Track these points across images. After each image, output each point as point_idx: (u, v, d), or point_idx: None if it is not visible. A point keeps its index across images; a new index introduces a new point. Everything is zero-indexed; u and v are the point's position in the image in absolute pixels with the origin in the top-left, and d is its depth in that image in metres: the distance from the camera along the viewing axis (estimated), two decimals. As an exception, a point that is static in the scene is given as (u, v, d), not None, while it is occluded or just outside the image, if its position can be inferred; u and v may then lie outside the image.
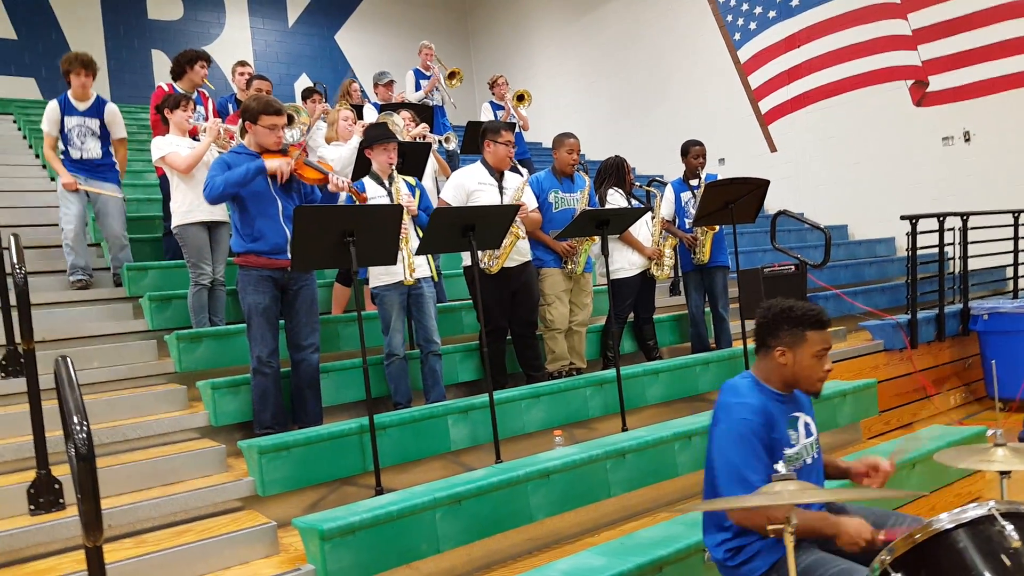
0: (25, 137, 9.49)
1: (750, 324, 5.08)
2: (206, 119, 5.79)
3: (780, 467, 2.34)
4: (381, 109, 6.94)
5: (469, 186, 4.65)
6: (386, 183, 4.44)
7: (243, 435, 4.14)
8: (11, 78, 11.70)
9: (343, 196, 4.35)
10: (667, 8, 11.72)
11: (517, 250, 4.68)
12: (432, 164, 5.88)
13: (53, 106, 5.48)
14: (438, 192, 6.31)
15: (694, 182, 5.75)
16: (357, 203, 4.21)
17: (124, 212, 5.66)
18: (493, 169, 4.71)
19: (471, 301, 5.50)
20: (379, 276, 4.35)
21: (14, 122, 10.34)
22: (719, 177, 5.73)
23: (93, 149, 5.51)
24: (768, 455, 2.32)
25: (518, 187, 4.72)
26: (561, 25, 13.69)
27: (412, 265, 4.28)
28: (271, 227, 3.99)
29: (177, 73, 6.05)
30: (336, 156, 5.54)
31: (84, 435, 1.88)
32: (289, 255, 3.93)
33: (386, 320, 4.37)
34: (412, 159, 5.23)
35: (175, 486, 3.52)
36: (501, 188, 4.68)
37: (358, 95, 8.05)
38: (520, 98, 8.21)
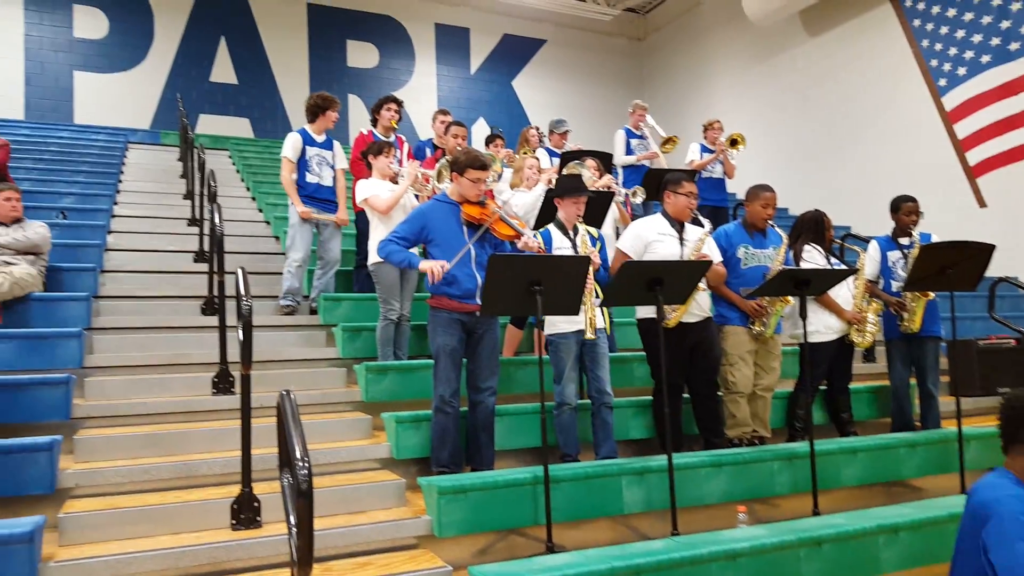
0: (239, 171, 10.47)
1: (965, 403, 4.59)
2: (401, 163, 6.09)
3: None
4: (560, 157, 7.02)
5: (648, 236, 4.56)
6: (571, 233, 4.46)
7: (419, 469, 4.24)
8: (229, 118, 12.96)
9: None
10: (863, 50, 11.09)
11: (697, 304, 4.52)
12: (613, 212, 5.85)
13: (296, 136, 6.05)
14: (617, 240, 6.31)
15: (904, 240, 5.31)
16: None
17: (340, 236, 6.15)
18: (673, 220, 4.60)
19: (643, 353, 5.37)
20: (556, 324, 4.34)
21: (229, 157, 11.44)
22: (921, 233, 5.29)
23: (327, 178, 6.05)
24: None
25: (699, 239, 4.58)
26: (743, 67, 13.38)
27: (594, 320, 4.23)
28: (464, 273, 4.10)
29: (373, 118, 6.46)
30: (520, 202, 5.64)
31: (306, 472, 1.94)
32: (479, 300, 4.02)
33: (560, 369, 4.34)
34: (593, 207, 5.22)
35: (359, 516, 3.63)
36: (681, 239, 4.56)
37: (536, 141, 8.23)
38: (733, 142, 7.97)
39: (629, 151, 8.26)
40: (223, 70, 12.98)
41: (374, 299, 5.40)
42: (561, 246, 4.41)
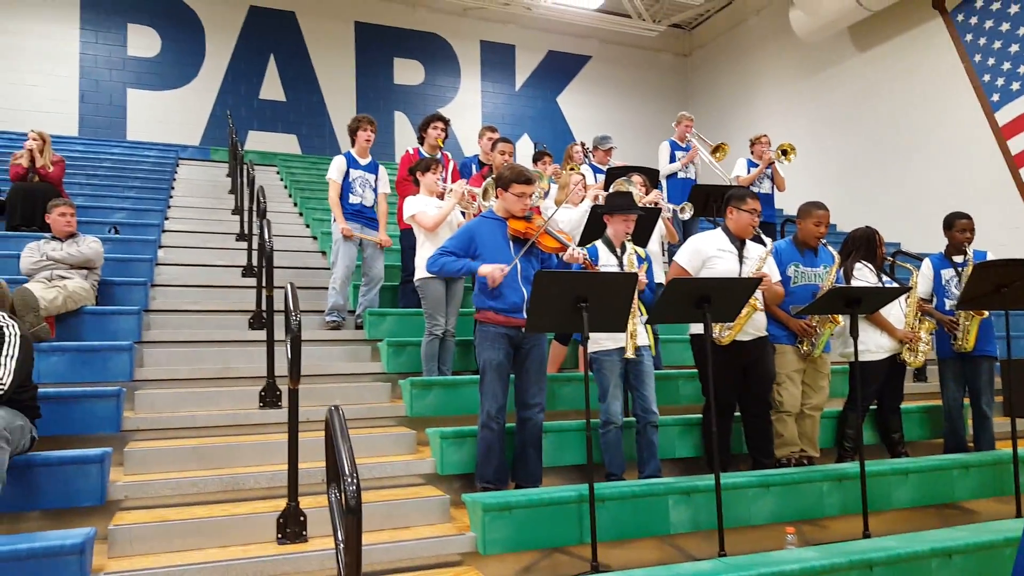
0: (286, 187, 10.64)
1: (1021, 424, 4.46)
2: (446, 180, 6.13)
3: None
4: (606, 174, 6.99)
5: (707, 252, 4.51)
6: (618, 251, 4.44)
7: (463, 485, 4.23)
8: (277, 135, 13.22)
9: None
10: (913, 65, 10.88)
11: (752, 323, 4.44)
12: (659, 229, 5.79)
13: (341, 159, 6.21)
14: (663, 256, 6.24)
15: (958, 258, 5.21)
16: (588, 270, 4.21)
17: (383, 255, 6.25)
18: (734, 236, 4.54)
19: (690, 371, 5.34)
20: (600, 341, 4.31)
21: (277, 173, 11.65)
22: (975, 251, 5.16)
23: (368, 199, 6.19)
24: None
25: (760, 257, 4.50)
26: (790, 82, 13.22)
27: (635, 337, 4.19)
28: (510, 287, 4.11)
29: (420, 137, 6.51)
30: (566, 219, 5.63)
31: (354, 488, 1.93)
32: (525, 315, 4.02)
33: (604, 387, 4.30)
34: (640, 224, 5.17)
35: (403, 532, 3.62)
36: (741, 257, 4.50)
37: (580, 157, 8.20)
38: (783, 152, 7.85)
39: (673, 161, 8.21)
40: (272, 87, 13.25)
41: (419, 314, 5.42)
42: (608, 263, 4.39)
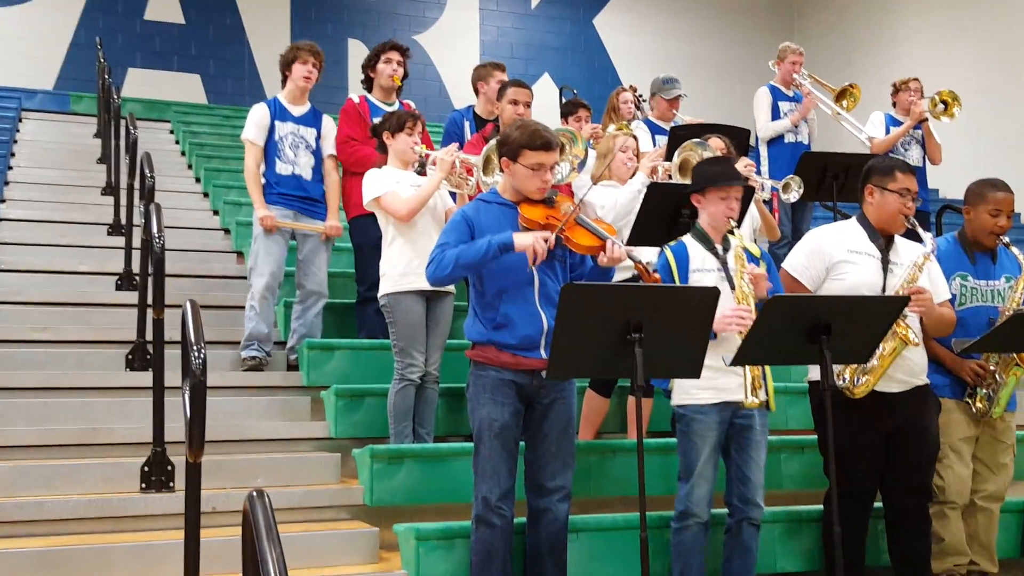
0: (185, 154, 10.75)
1: None
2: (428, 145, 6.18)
3: None
4: (669, 135, 7.01)
5: (834, 254, 4.51)
6: (719, 248, 4.44)
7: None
8: (172, 74, 13.41)
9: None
10: None
11: (904, 365, 4.39)
12: (752, 218, 5.79)
13: (262, 108, 6.27)
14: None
15: None
16: (642, 282, 4.21)
17: (329, 255, 6.32)
18: (876, 231, 4.54)
19: (808, 437, 5.34)
20: (690, 390, 4.31)
21: (171, 132, 11.74)
22: None
23: (306, 166, 6.26)
24: None
25: (916, 263, 4.47)
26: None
27: (758, 380, 4.19)
28: (523, 311, 4.10)
29: (367, 78, 6.62)
30: (609, 203, 5.65)
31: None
32: (544, 353, 4.02)
33: (690, 461, 4.30)
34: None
35: None
36: (886, 263, 4.51)
37: (630, 110, 8.24)
38: (942, 106, 7.90)
39: (776, 116, 8.24)
40: (164, 3, 13.40)
41: (385, 348, 5.44)
42: (703, 267, 4.38)
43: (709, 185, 4.44)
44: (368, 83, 6.57)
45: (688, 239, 4.48)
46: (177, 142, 11.24)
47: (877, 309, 3.95)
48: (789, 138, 8.16)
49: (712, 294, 3.75)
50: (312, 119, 6.34)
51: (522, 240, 4.01)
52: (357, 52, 14.01)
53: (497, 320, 4.10)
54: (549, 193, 4.24)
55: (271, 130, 6.18)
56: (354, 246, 6.44)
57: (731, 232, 4.40)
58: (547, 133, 4.18)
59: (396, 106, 6.39)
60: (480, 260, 4.06)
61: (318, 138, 6.34)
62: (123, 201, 7.83)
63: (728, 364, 4.16)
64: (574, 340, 3.65)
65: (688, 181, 5.62)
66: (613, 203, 5.63)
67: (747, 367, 4.18)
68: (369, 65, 6.53)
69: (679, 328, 3.71)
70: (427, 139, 6.36)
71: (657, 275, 4.25)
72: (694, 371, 3.80)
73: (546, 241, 3.98)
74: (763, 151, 8.14)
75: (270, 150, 6.18)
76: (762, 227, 6.06)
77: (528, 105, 6.06)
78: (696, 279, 4.33)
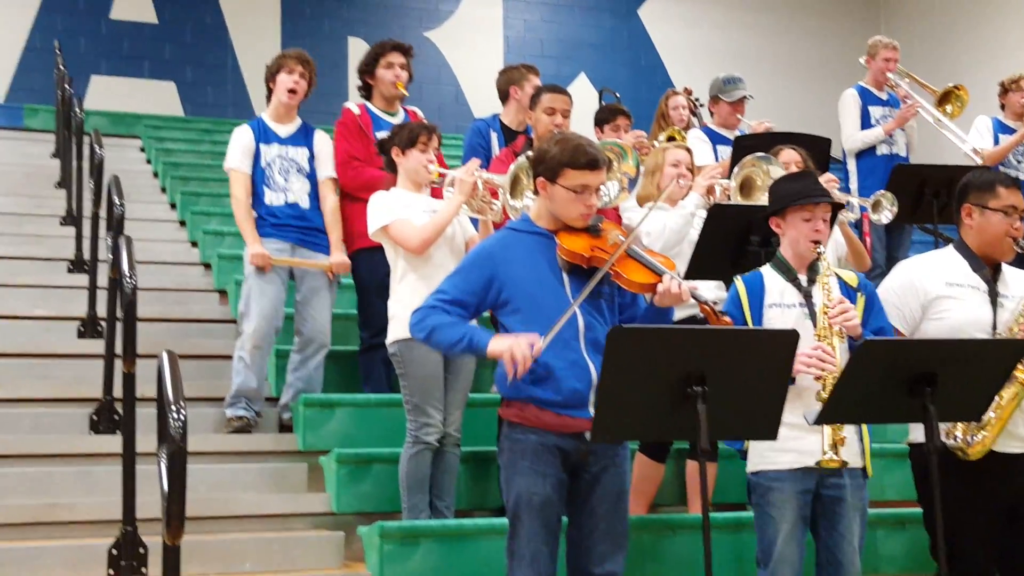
0: (158, 175, 10.80)
1: None
2: (442, 163, 6.17)
3: None
4: (733, 145, 7.00)
5: (930, 289, 4.48)
6: (802, 279, 4.42)
7: None
8: (143, 82, 13.50)
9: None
10: None
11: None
12: (837, 244, 5.78)
13: (245, 131, 6.34)
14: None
15: None
16: (709, 324, 4.18)
17: (335, 298, 6.34)
18: (979, 259, 4.50)
19: (910, 510, 5.25)
20: (764, 453, 4.28)
21: (141, 150, 11.81)
22: None
23: (300, 192, 6.30)
24: None
25: (1028, 296, 4.49)
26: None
27: (839, 437, 4.13)
28: (566, 361, 4.05)
29: (365, 84, 6.66)
30: (656, 229, 5.64)
31: None
32: (591, 410, 3.97)
33: (769, 540, 4.25)
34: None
35: None
36: (994, 295, 4.48)
37: (684, 116, 8.23)
38: None
39: (867, 124, 8.21)
40: (131, 1, 13.51)
41: (396, 405, 5.43)
42: (781, 301, 4.36)
43: (790, 204, 4.42)
44: (366, 90, 6.61)
45: (767, 269, 4.46)
46: (149, 161, 11.31)
47: (991, 353, 3.90)
48: (882, 149, 8.11)
49: (790, 338, 3.71)
50: (302, 137, 6.38)
51: (497, 347, 3.94)
52: (359, 53, 13.94)
53: (536, 372, 4.01)
54: (593, 220, 4.22)
55: (256, 156, 6.23)
56: (357, 284, 6.44)
57: (818, 259, 4.38)
58: (592, 149, 4.17)
59: (401, 116, 6.43)
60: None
61: (311, 158, 6.36)
62: (87, 233, 7.83)
63: (811, 423, 4.11)
64: (624, 394, 3.62)
65: (751, 202, 5.63)
66: (661, 229, 5.63)
67: (825, 431, 4.12)
68: (367, 70, 6.57)
69: (750, 379, 3.67)
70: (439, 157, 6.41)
71: (727, 318, 4.21)
72: (769, 431, 3.76)
73: (532, 347, 3.87)
74: (850, 165, 8.11)
75: (257, 179, 6.23)
76: (849, 255, 6.02)
77: (567, 114, 6.04)
78: (772, 316, 4.31)
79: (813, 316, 4.27)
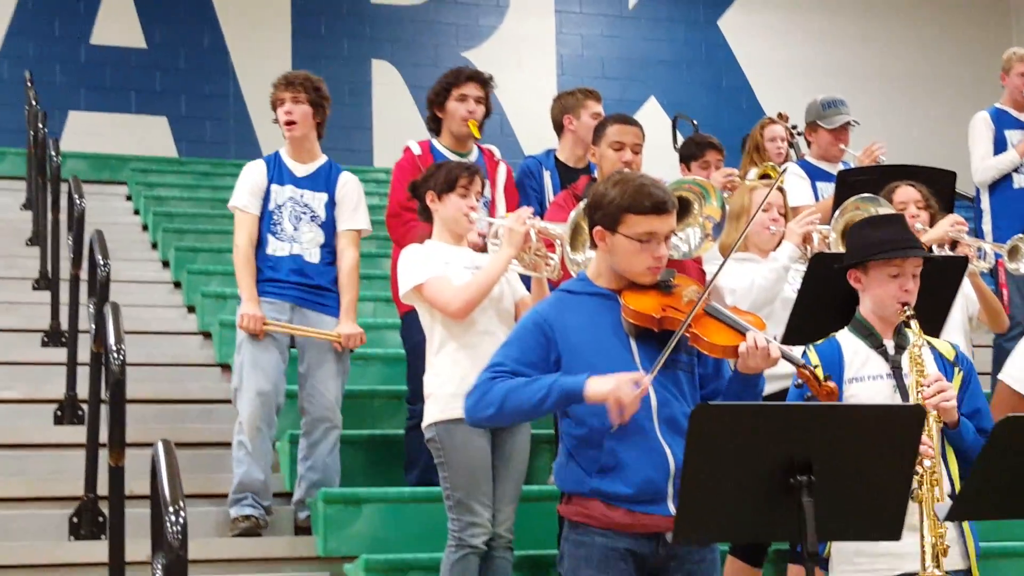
0: (147, 228, 10.90)
1: None
2: (490, 207, 6.20)
3: None
4: (836, 180, 7.00)
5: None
6: (887, 346, 4.43)
7: None
8: (130, 118, 13.67)
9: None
10: None
11: None
12: (967, 299, 5.75)
13: (257, 168, 6.44)
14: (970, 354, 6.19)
15: None
16: (811, 396, 4.17)
17: (347, 370, 6.32)
18: None
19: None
20: (852, 558, 4.28)
21: (128, 199, 11.94)
22: None
23: (311, 245, 6.33)
24: None
25: None
26: None
27: (940, 546, 4.10)
28: (639, 447, 4.05)
29: (433, 117, 6.67)
30: (742, 286, 5.67)
31: None
32: (673, 507, 3.97)
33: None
34: (927, 291, 5.13)
35: None
36: None
37: (779, 150, 8.23)
38: None
39: (1001, 147, 8.21)
40: (116, 22, 13.70)
41: (436, 500, 5.44)
42: (864, 373, 4.38)
43: (871, 257, 4.43)
44: (436, 125, 6.64)
45: (844, 335, 4.47)
46: (137, 212, 11.41)
47: None
48: (1020, 182, 8.08)
49: (916, 416, 3.70)
50: (324, 179, 6.44)
51: (599, 388, 3.92)
52: (385, 78, 14.22)
53: (602, 461, 4.03)
54: (664, 275, 4.22)
55: (266, 197, 6.32)
56: (407, 349, 6.45)
57: (907, 324, 4.38)
58: (658, 189, 4.16)
59: (474, 158, 6.44)
60: (533, 410, 4.05)
61: (330, 204, 6.41)
62: (64, 298, 7.93)
63: (942, 520, 4.10)
64: (712, 486, 3.59)
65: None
66: (748, 286, 5.65)
67: (924, 521, 4.11)
68: (437, 101, 6.58)
69: (868, 466, 3.64)
70: (512, 196, 6.46)
71: (832, 384, 4.20)
72: (891, 530, 3.70)
73: (638, 385, 3.89)
74: (984, 201, 8.07)
75: (263, 224, 6.30)
76: (982, 313, 6.00)
77: (638, 149, 6.08)
78: (855, 392, 4.32)
79: (904, 392, 4.28)
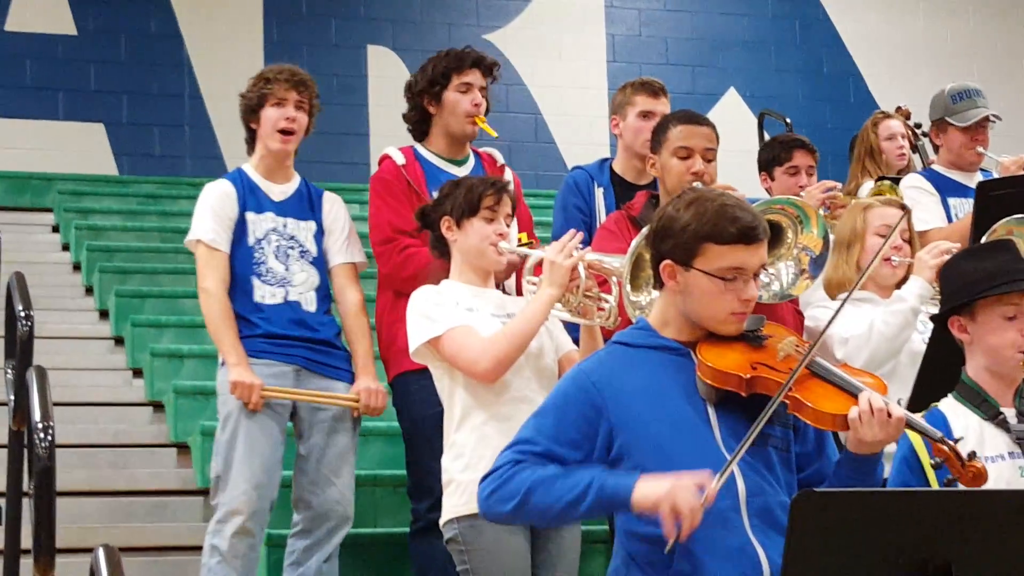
0: (79, 267, 10.97)
1: None
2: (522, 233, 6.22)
3: None
4: (976, 193, 7.00)
5: None
6: (1008, 415, 4.48)
7: None
8: (58, 125, 13.80)
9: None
10: None
11: None
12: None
13: (222, 189, 6.37)
14: None
15: None
16: (952, 480, 4.16)
17: (356, 446, 6.32)
18: None
19: None
20: None
21: (55, 230, 12.01)
22: None
23: (304, 286, 6.34)
24: None
25: None
26: None
27: None
28: (721, 545, 4.04)
29: (421, 114, 6.63)
30: (859, 333, 5.69)
31: None
32: (772, 617, 3.99)
33: None
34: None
35: None
36: None
37: (900, 152, 8.25)
38: None
39: None
40: (35, 4, 13.92)
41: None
42: (982, 451, 4.29)
43: (978, 295, 4.44)
44: (422, 125, 6.64)
45: (950, 404, 4.51)
46: (66, 247, 11.51)
47: None
48: None
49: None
50: (307, 204, 6.45)
51: (650, 492, 3.89)
52: (382, 69, 14.31)
53: (675, 567, 4.04)
54: (751, 323, 4.25)
55: (240, 228, 6.28)
56: (403, 427, 6.43)
57: None
58: (744, 212, 4.16)
59: (471, 166, 6.49)
60: (565, 512, 4.01)
61: (319, 234, 6.43)
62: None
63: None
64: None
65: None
66: (866, 334, 5.67)
67: None
68: (430, 90, 6.56)
69: (1016, 566, 3.67)
70: (528, 222, 6.43)
71: (980, 464, 4.18)
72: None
73: (702, 491, 3.84)
74: None
75: (240, 264, 6.25)
76: None
77: (711, 156, 6.05)
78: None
79: None
